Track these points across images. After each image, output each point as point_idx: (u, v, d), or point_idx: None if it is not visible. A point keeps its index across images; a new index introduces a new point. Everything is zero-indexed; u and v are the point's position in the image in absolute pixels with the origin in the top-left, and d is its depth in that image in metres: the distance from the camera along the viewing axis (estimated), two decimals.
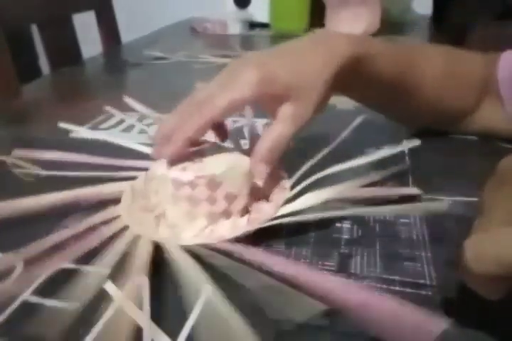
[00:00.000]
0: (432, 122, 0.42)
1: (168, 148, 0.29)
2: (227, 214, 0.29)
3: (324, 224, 0.30)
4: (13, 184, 0.36)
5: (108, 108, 0.45)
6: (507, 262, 0.18)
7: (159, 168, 0.30)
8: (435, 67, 0.40)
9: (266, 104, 0.32)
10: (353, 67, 0.33)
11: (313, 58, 0.32)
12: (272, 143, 0.29)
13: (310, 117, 0.31)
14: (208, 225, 0.29)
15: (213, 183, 0.28)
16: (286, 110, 0.30)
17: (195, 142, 0.31)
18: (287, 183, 0.32)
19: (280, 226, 0.29)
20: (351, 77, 0.34)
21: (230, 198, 0.29)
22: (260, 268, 0.24)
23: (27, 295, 0.24)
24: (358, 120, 0.35)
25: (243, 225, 0.29)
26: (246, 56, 0.33)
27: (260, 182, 0.29)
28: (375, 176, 0.32)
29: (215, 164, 0.29)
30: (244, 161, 0.30)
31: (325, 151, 0.33)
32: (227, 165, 0.29)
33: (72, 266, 0.26)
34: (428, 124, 0.43)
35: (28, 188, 0.33)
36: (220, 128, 0.33)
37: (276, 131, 0.30)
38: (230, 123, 0.45)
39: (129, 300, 0.24)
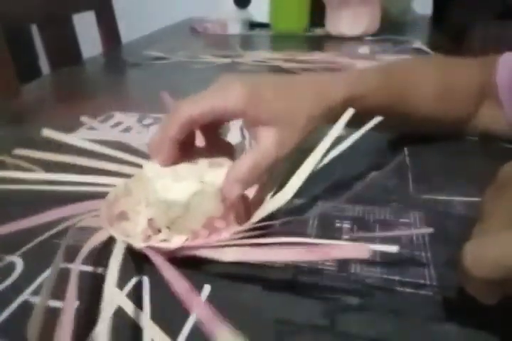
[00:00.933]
0: (430, 133, 0.42)
1: (158, 156, 0.29)
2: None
3: (324, 224, 0.30)
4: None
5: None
6: (507, 264, 0.18)
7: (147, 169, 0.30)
8: (429, 87, 0.40)
9: (247, 123, 0.31)
10: (345, 107, 0.32)
11: (305, 95, 0.31)
12: (250, 165, 0.28)
13: (293, 146, 0.30)
14: (147, 229, 0.29)
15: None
16: (269, 136, 0.29)
17: (188, 144, 0.30)
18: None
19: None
20: (342, 114, 0.32)
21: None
22: None
23: (27, 295, 0.24)
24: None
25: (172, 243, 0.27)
26: (239, 75, 0.32)
27: (227, 203, 0.28)
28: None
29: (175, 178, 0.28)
30: (181, 194, 0.27)
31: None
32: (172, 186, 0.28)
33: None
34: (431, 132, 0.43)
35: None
36: (210, 132, 0.32)
37: (257, 154, 0.29)
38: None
39: (128, 300, 0.24)
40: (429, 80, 0.40)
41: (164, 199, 0.27)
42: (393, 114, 0.37)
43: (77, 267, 0.25)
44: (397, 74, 0.39)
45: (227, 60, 0.75)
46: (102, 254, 0.27)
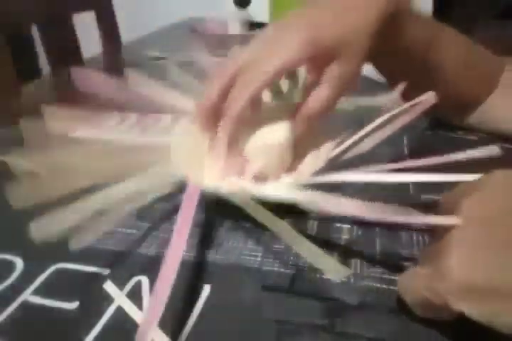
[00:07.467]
0: (444, 108, 0.41)
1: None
2: (240, 173, 0.30)
3: (324, 224, 0.30)
4: (13, 184, 0.36)
5: None
6: (427, 297, 0.20)
7: None
8: (455, 49, 0.39)
9: (312, 66, 0.31)
10: (389, 26, 0.32)
11: (356, 14, 0.30)
12: (320, 104, 0.29)
13: (357, 73, 0.30)
14: (224, 172, 0.30)
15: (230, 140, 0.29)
16: (333, 69, 0.29)
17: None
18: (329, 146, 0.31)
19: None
20: (386, 38, 0.32)
21: (244, 160, 0.30)
22: None
23: (27, 295, 0.24)
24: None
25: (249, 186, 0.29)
26: (286, 19, 0.32)
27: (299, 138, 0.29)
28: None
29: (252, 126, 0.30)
30: (277, 137, 0.29)
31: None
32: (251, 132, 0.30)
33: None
34: (439, 110, 0.42)
35: (28, 188, 0.33)
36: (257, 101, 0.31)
37: (324, 92, 0.29)
38: None
39: (128, 300, 0.24)
40: (455, 46, 0.39)
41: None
42: (421, 62, 0.36)
43: None
44: (431, 26, 0.37)
45: None
46: None
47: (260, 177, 0.30)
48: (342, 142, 0.32)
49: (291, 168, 0.31)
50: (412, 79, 0.38)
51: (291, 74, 0.33)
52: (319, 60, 0.29)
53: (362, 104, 0.37)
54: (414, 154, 0.40)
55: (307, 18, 0.30)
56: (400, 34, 0.34)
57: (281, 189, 0.28)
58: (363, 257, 0.27)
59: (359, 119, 0.32)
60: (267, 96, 0.35)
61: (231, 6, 1.09)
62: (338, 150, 0.32)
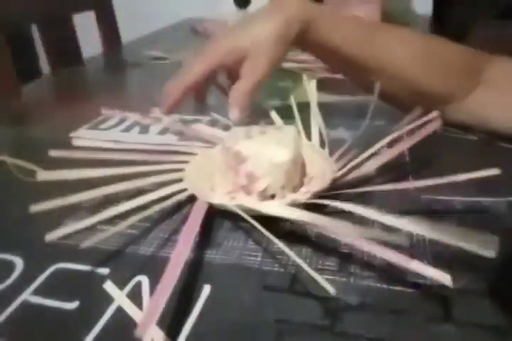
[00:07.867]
0: (414, 104, 0.39)
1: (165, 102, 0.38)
2: (247, 190, 0.31)
3: None
4: (13, 184, 0.36)
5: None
6: None
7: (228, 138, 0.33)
8: (409, 47, 0.41)
9: (232, 68, 0.38)
10: (305, 30, 0.39)
11: (267, 25, 0.37)
12: (240, 92, 0.36)
13: (266, 68, 0.36)
14: (231, 192, 0.32)
15: (238, 158, 0.31)
16: (245, 67, 0.37)
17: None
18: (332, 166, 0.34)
19: (277, 227, 0.29)
20: (307, 39, 0.39)
21: (251, 177, 0.31)
22: None
23: (27, 295, 0.24)
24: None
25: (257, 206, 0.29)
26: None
27: (233, 121, 0.36)
28: None
29: (261, 143, 0.32)
30: (284, 156, 0.31)
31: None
32: (260, 151, 0.31)
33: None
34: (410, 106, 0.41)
35: (28, 188, 0.33)
36: (200, 92, 0.42)
37: (241, 84, 0.36)
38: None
39: (128, 300, 0.24)
40: (406, 44, 0.41)
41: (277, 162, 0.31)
42: (357, 61, 0.41)
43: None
44: (369, 29, 0.43)
45: None
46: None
47: (266, 196, 0.31)
48: (347, 163, 0.34)
49: (297, 186, 0.32)
50: (367, 76, 0.42)
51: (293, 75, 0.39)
52: (236, 63, 0.37)
53: (361, 101, 0.38)
54: (414, 153, 0.40)
55: (229, 33, 0.39)
56: (318, 37, 0.40)
57: (285, 207, 0.29)
58: (363, 257, 0.27)
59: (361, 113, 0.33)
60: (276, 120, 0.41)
61: (231, 6, 1.09)
62: (342, 171, 0.34)
